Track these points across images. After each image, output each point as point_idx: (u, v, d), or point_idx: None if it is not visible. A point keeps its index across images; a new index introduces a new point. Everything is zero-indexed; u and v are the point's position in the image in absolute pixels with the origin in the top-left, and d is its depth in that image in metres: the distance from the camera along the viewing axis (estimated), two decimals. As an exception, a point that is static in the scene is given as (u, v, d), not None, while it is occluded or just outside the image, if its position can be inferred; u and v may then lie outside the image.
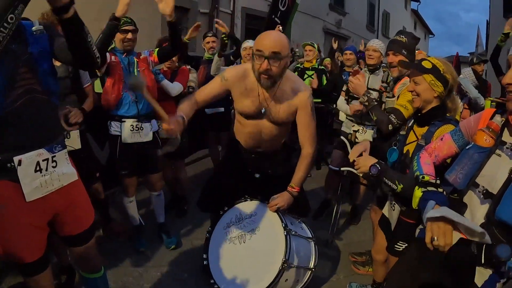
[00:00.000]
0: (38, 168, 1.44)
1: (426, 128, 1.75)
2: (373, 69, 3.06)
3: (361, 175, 2.65)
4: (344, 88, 3.26)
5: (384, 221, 2.03)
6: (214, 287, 2.03)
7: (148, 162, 2.83)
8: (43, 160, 1.45)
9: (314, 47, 4.70)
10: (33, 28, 1.47)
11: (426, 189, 1.38)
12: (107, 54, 2.60)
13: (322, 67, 4.83)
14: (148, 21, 5.36)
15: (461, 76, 4.03)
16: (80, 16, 1.32)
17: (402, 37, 2.49)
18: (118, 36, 2.60)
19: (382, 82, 2.92)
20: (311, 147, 2.14)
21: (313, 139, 2.15)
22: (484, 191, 1.29)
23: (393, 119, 2.19)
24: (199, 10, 7.38)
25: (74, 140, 2.47)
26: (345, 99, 3.23)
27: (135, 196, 2.91)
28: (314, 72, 4.58)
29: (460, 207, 1.36)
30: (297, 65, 4.81)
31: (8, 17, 1.14)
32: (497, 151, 1.30)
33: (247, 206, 2.22)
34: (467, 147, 1.40)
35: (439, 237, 1.20)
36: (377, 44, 3.09)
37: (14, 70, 1.37)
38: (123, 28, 2.57)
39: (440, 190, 1.39)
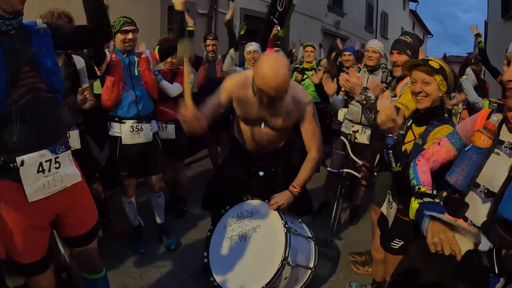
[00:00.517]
0: (40, 169, 1.43)
1: (424, 127, 1.76)
2: (372, 70, 3.06)
3: (360, 175, 2.66)
4: (344, 88, 3.27)
5: (382, 219, 2.04)
6: (214, 284, 2.04)
7: (148, 163, 2.83)
8: (46, 161, 1.45)
9: (315, 48, 4.72)
10: (36, 26, 1.48)
11: (422, 201, 1.38)
12: (108, 53, 2.60)
13: (320, 67, 4.83)
14: (147, 22, 5.37)
15: (464, 77, 4.04)
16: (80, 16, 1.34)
17: (407, 38, 2.49)
18: (119, 36, 2.60)
19: (382, 82, 2.92)
20: (317, 152, 2.15)
21: (319, 144, 2.16)
22: (485, 190, 1.30)
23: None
24: (197, 11, 7.38)
25: (74, 140, 2.46)
26: (345, 99, 3.23)
27: (134, 197, 2.90)
28: (313, 72, 4.59)
29: (462, 207, 1.37)
30: (296, 65, 4.82)
31: None
32: (496, 150, 1.31)
33: (248, 205, 2.24)
34: (465, 149, 1.41)
35: (444, 248, 1.21)
36: (376, 45, 3.10)
37: (18, 68, 1.37)
38: (123, 28, 2.57)
39: (437, 200, 1.39)
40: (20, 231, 1.46)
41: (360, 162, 2.75)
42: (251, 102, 2.01)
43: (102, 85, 2.69)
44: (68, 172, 1.54)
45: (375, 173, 2.36)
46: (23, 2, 1.39)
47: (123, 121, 2.67)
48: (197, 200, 2.69)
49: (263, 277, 1.95)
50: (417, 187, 1.43)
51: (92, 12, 1.55)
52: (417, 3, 24.29)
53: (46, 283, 1.60)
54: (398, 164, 1.64)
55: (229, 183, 2.32)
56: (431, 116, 1.74)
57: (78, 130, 2.50)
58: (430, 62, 1.70)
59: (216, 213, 2.33)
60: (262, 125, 2.08)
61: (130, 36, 2.61)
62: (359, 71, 3.25)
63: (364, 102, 2.29)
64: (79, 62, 2.60)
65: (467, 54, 6.86)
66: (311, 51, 4.68)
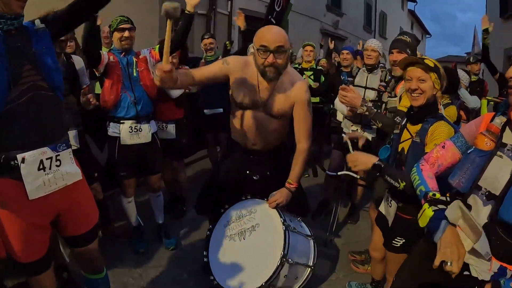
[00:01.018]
0: (41, 167, 1.44)
1: (419, 125, 1.77)
2: (371, 69, 3.07)
3: (358, 176, 2.67)
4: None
5: (381, 218, 2.05)
6: (214, 283, 2.05)
7: (147, 163, 2.83)
8: (46, 159, 1.45)
9: (315, 48, 4.72)
10: (35, 27, 1.50)
11: (437, 208, 1.35)
12: (105, 54, 2.59)
13: (320, 67, 4.85)
14: (145, 22, 5.36)
15: (461, 88, 4.02)
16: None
17: (406, 37, 2.50)
18: (116, 35, 2.60)
19: (381, 81, 2.93)
20: (306, 142, 2.16)
21: (309, 134, 2.17)
22: (487, 193, 1.31)
23: (398, 121, 2.20)
24: (196, 11, 7.38)
25: (71, 140, 2.46)
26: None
27: (134, 197, 2.90)
28: (312, 72, 4.60)
29: None
30: (295, 65, 4.82)
31: None
32: (499, 153, 1.30)
33: (247, 204, 2.25)
34: (468, 151, 1.40)
35: (453, 262, 1.20)
36: (375, 44, 3.11)
37: (19, 67, 1.39)
38: (120, 26, 2.57)
39: None
40: (21, 230, 1.46)
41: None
42: (250, 83, 2.03)
43: (101, 86, 2.69)
44: (69, 170, 1.55)
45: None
46: (23, 6, 1.42)
47: (122, 121, 2.67)
48: (197, 200, 2.69)
49: (262, 275, 1.96)
50: (430, 194, 1.41)
51: None
52: (415, 3, 24.37)
53: (47, 283, 1.61)
54: (400, 180, 1.66)
55: (223, 188, 2.33)
56: (425, 113, 1.76)
57: (76, 130, 2.51)
58: (426, 61, 1.73)
59: (215, 213, 2.33)
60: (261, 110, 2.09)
61: (126, 34, 2.59)
62: (358, 70, 3.26)
63: (367, 113, 2.28)
64: (78, 62, 2.60)
65: (466, 54, 6.89)
66: (311, 51, 4.69)
